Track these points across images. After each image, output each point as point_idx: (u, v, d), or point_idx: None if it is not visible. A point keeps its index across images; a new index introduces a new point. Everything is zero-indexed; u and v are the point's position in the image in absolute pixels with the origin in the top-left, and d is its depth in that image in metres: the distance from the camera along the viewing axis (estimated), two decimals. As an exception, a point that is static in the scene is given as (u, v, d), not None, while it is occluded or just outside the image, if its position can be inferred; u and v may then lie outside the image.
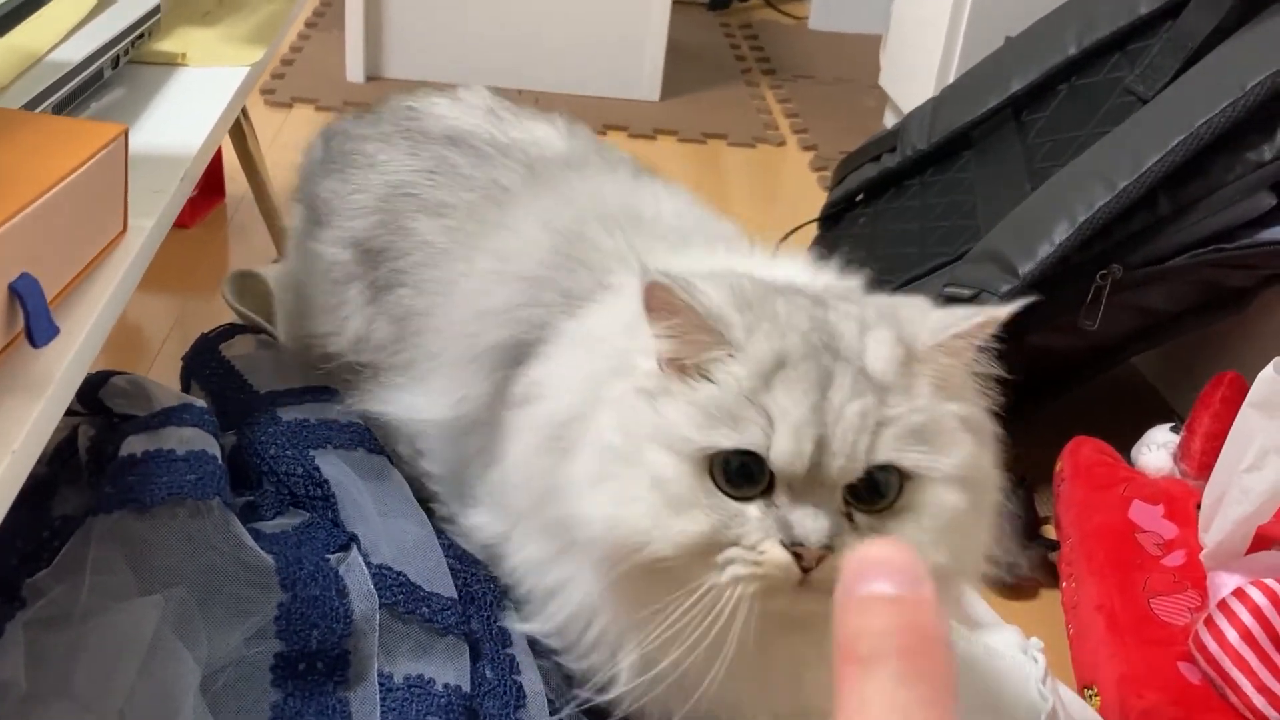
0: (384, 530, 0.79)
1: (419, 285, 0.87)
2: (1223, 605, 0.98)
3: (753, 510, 0.59)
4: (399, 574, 0.74)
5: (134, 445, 0.76)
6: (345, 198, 0.95)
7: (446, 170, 0.91)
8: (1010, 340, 1.12)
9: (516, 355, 0.76)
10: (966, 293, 1.22)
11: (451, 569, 0.80)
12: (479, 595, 0.80)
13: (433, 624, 0.73)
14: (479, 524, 0.80)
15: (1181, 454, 1.22)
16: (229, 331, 1.03)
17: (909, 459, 0.59)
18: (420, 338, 0.86)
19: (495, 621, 0.79)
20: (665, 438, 0.60)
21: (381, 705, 0.68)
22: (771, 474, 0.59)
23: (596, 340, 0.71)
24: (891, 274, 1.39)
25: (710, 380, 0.60)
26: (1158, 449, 1.24)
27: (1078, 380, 1.33)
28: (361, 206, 0.93)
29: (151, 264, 0.85)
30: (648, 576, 0.60)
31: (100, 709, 0.63)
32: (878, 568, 0.31)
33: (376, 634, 0.70)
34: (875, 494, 0.59)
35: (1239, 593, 0.97)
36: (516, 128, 0.95)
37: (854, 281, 0.76)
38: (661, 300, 0.60)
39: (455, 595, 0.77)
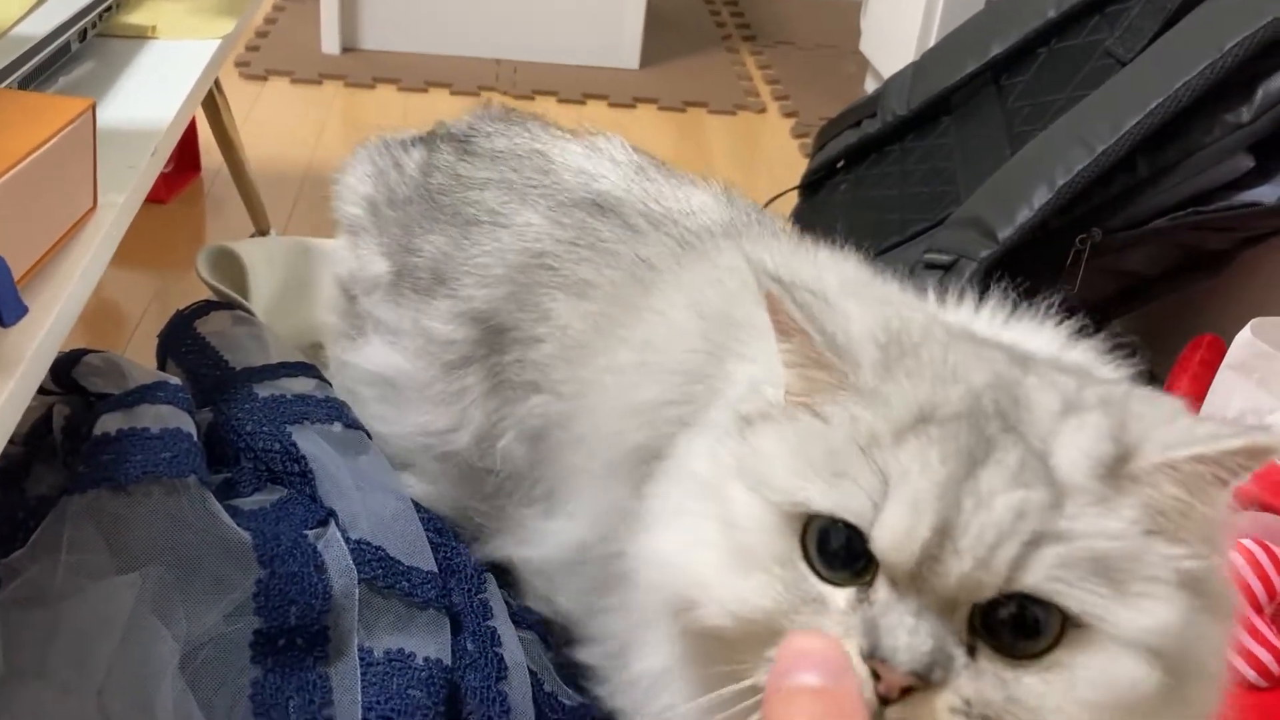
0: (362, 505, 0.79)
1: (555, 388, 0.75)
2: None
3: (838, 599, 0.45)
4: (378, 549, 0.74)
5: (108, 424, 0.75)
6: (467, 261, 0.82)
7: (591, 243, 0.78)
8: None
9: (659, 451, 0.64)
10: (945, 259, 1.22)
11: (431, 543, 0.80)
12: (459, 568, 0.80)
13: (413, 598, 0.73)
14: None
15: (1161, 417, 1.22)
16: (204, 308, 1.02)
17: (1074, 597, 0.42)
18: (560, 453, 0.74)
19: (476, 594, 0.79)
20: (750, 475, 0.48)
21: (362, 680, 0.68)
22: (878, 563, 0.44)
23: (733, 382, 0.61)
24: (873, 241, 1.39)
25: (823, 421, 0.47)
26: (1137, 412, 1.24)
27: (1058, 344, 1.33)
28: (490, 275, 0.80)
29: (128, 240, 0.84)
30: (705, 640, 0.49)
31: (78, 688, 0.63)
32: (804, 659, 0.33)
33: (356, 609, 0.70)
34: (1023, 632, 0.43)
35: (1217, 554, 0.98)
36: (672, 195, 0.82)
37: (1113, 371, 0.59)
38: (775, 316, 0.49)
39: (435, 569, 0.77)
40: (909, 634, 0.42)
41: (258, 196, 1.54)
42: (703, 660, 0.50)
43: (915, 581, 0.43)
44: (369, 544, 0.74)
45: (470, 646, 0.74)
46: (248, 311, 1.05)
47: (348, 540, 0.74)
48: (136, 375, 0.82)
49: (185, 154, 1.73)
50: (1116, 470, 0.45)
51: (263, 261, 1.19)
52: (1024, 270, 1.24)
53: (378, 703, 0.67)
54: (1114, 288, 1.30)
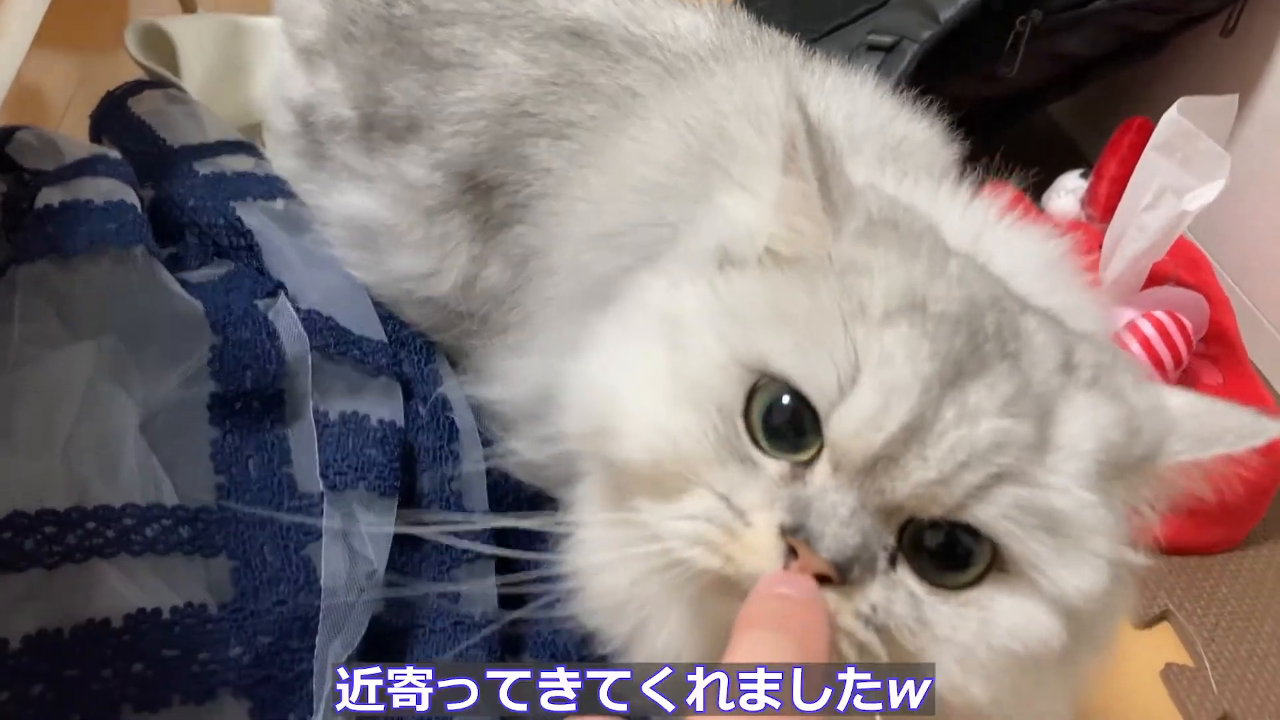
0: (310, 278, 0.80)
1: (537, 220, 0.71)
2: (1115, 338, 1.04)
3: (770, 467, 0.42)
4: (328, 318, 0.76)
5: (50, 196, 0.75)
6: (442, 109, 0.76)
7: (570, 80, 0.73)
8: (929, 88, 1.12)
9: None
10: (887, 40, 1.22)
11: (380, 317, 0.82)
12: (408, 340, 0.83)
13: (364, 364, 0.76)
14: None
15: (1089, 198, 1.25)
16: (136, 87, 1.00)
17: (1022, 543, 0.41)
18: (536, 283, 0.71)
19: (426, 365, 0.82)
20: (716, 316, 0.44)
21: (319, 440, 0.71)
22: (822, 447, 0.42)
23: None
24: (816, 23, 1.38)
25: (805, 281, 0.44)
26: (1067, 194, 1.27)
27: (994, 128, 1.35)
28: (469, 128, 0.75)
29: (49, 19, 0.81)
30: (620, 483, 0.46)
31: (42, 450, 0.65)
32: (785, 579, 0.38)
33: (309, 374, 0.73)
34: (949, 562, 0.42)
35: (1131, 325, 1.03)
36: (656, 17, 0.76)
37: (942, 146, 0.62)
38: (787, 150, 0.45)
39: (385, 339, 0.80)
40: (841, 524, 0.40)
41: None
42: (612, 502, 0.48)
43: (861, 476, 0.40)
44: (319, 313, 0.76)
45: (422, 411, 0.77)
46: (181, 90, 1.03)
47: (298, 310, 0.76)
48: (73, 150, 0.81)
49: (101, -72, 1.64)
50: (1125, 465, 0.43)
51: (193, 41, 1.15)
52: (964, 52, 1.24)
53: (335, 460, 0.70)
54: (1052, 71, 1.31)
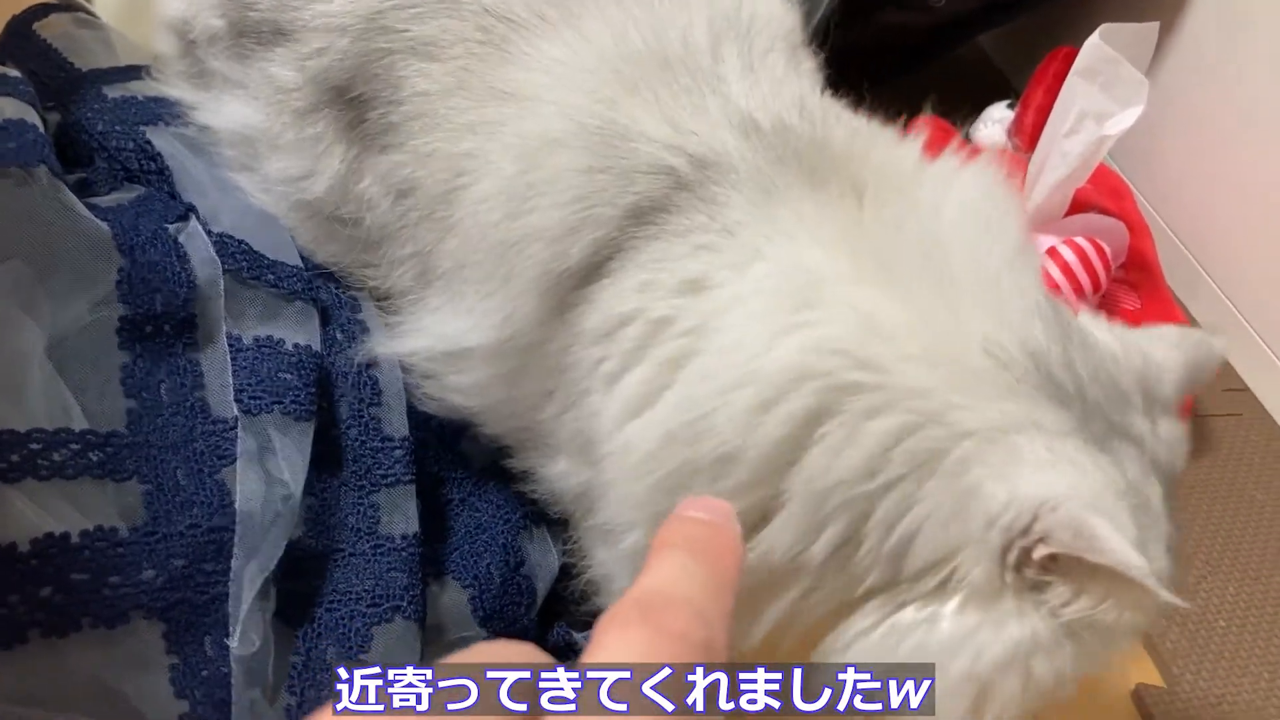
0: (223, 203, 0.79)
1: (418, 153, 0.71)
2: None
3: None
4: (241, 242, 0.75)
5: (-55, 117, 0.73)
6: (303, 21, 0.74)
7: None
8: (859, 16, 1.11)
9: (583, 276, 0.64)
10: (818, -31, 1.21)
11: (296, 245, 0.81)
12: (324, 266, 0.82)
13: (279, 289, 0.75)
14: (562, 471, 0.71)
15: (1015, 128, 1.26)
16: (42, 10, 0.96)
17: None
18: (433, 226, 0.71)
19: (344, 291, 0.81)
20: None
21: (232, 365, 0.70)
22: None
23: (755, 368, 0.57)
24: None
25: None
26: (993, 124, 1.28)
27: (924, 57, 1.35)
28: (329, 45, 0.73)
29: (-54, -65, 0.78)
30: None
31: (-55, 375, 0.63)
32: (700, 504, 0.39)
33: (222, 299, 0.71)
34: None
35: (1052, 251, 1.05)
36: None
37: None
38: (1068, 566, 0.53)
39: (301, 264, 0.79)
40: None
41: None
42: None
43: None
44: (232, 238, 0.75)
45: (339, 336, 0.76)
46: (91, 14, 1.00)
47: (210, 234, 0.74)
48: (-29, 71, 0.79)
49: None
50: None
51: (105, -37, 1.11)
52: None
53: (249, 385, 0.69)
54: (982, 0, 1.31)
